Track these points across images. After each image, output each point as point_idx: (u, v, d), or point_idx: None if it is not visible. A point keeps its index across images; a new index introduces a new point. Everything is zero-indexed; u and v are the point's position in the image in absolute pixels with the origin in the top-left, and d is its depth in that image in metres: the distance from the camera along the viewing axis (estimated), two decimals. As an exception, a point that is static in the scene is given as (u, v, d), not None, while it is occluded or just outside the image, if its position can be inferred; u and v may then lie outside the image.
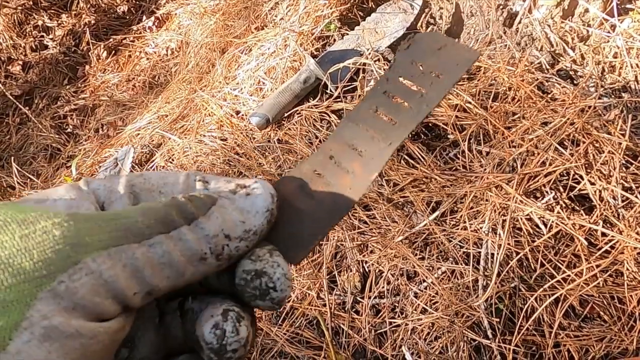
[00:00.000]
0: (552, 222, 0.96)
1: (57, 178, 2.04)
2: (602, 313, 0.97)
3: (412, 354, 0.99)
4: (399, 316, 1.04)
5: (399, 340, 1.02)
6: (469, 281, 0.99)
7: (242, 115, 1.52)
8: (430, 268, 1.03)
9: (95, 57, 2.74)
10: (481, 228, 0.99)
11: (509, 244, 0.96)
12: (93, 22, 2.83)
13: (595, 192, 0.95)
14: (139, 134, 1.85)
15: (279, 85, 1.47)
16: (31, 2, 2.87)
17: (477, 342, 0.97)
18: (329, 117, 1.34)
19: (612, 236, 0.94)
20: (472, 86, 1.15)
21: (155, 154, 1.68)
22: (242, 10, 1.98)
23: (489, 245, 0.98)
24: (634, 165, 0.98)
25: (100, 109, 2.45)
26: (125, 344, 0.24)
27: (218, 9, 2.16)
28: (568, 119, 0.99)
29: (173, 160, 1.59)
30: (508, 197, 0.97)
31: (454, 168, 1.09)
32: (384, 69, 1.25)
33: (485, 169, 1.04)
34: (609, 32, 1.24)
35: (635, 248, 0.94)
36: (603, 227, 0.95)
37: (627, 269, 0.95)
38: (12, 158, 2.20)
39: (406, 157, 1.12)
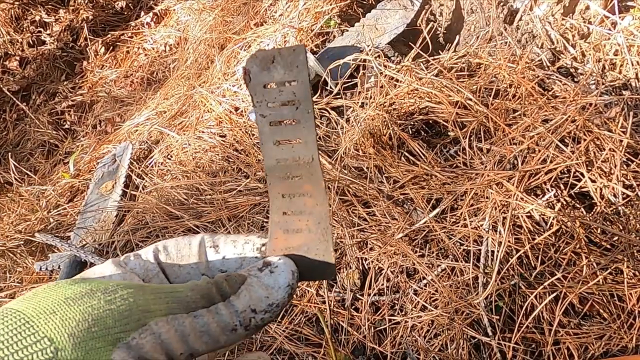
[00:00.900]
0: (553, 219, 0.96)
1: (55, 174, 2.03)
2: (601, 311, 0.97)
3: (411, 351, 0.99)
4: (398, 313, 1.04)
5: (398, 338, 1.02)
6: (469, 279, 0.99)
7: (241, 111, 1.51)
8: (430, 265, 1.03)
9: (93, 52, 2.72)
10: (481, 225, 0.99)
11: (509, 241, 0.96)
12: (91, 17, 2.81)
13: (596, 189, 0.95)
14: (137, 130, 1.84)
15: (278, 81, 1.46)
16: (28, -3, 2.85)
17: (476, 339, 0.97)
18: (329, 113, 1.34)
19: (613, 234, 0.94)
20: (472, 83, 1.15)
21: (153, 150, 1.67)
22: (241, 6, 1.97)
23: (489, 242, 0.98)
24: (634, 163, 0.98)
25: (98, 105, 2.44)
26: None
27: (217, 5, 2.15)
28: (569, 116, 0.99)
29: (171, 156, 1.59)
30: (509, 194, 0.96)
31: (454, 165, 1.09)
32: (384, 65, 1.25)
33: (485, 166, 1.03)
34: (609, 29, 1.24)
35: (635, 245, 0.94)
36: (603, 224, 0.95)
37: (627, 267, 0.95)
38: (10, 154, 2.19)
39: (406, 154, 1.12)
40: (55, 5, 2.89)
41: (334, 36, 1.54)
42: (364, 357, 1.02)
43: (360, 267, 1.10)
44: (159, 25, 2.67)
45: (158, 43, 2.54)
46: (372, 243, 1.09)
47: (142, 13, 2.78)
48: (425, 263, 1.02)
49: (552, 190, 0.97)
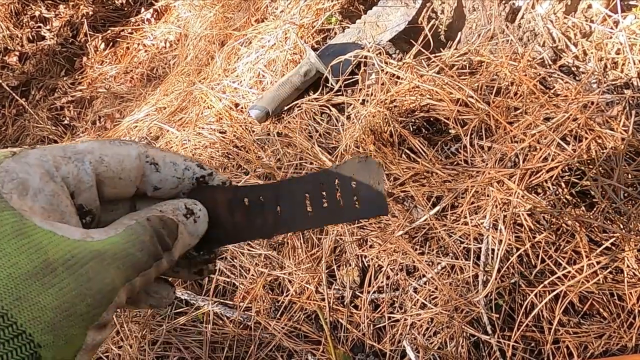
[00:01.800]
0: (553, 217, 0.96)
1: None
2: (601, 310, 0.97)
3: (411, 349, 0.98)
4: (398, 311, 1.04)
5: (397, 335, 1.01)
6: (468, 277, 0.98)
7: (242, 108, 1.51)
8: (430, 263, 1.03)
9: (93, 48, 2.71)
10: (482, 223, 0.98)
11: (509, 239, 0.95)
12: (91, 13, 2.80)
13: (597, 188, 0.95)
14: (136, 127, 1.84)
15: (279, 78, 1.46)
16: (28, -8, 2.84)
17: (476, 337, 0.97)
18: (330, 110, 1.33)
19: (614, 233, 0.94)
20: (474, 81, 1.14)
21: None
22: (241, 2, 1.96)
23: (489, 240, 0.98)
24: (636, 162, 0.97)
25: (97, 101, 2.43)
26: None
27: (217, 1, 2.14)
28: (571, 114, 0.98)
29: (171, 152, 1.58)
30: (510, 192, 0.96)
31: (455, 163, 1.08)
32: (386, 62, 1.24)
33: (487, 164, 1.03)
34: (611, 28, 1.24)
35: (636, 245, 0.94)
36: (604, 223, 0.95)
37: (628, 266, 0.95)
38: (8, 149, 2.18)
39: (407, 151, 1.11)
40: (55, 0, 2.88)
41: (335, 33, 1.54)
42: (363, 355, 1.02)
43: (360, 265, 1.10)
44: (159, 21, 2.66)
45: (158, 39, 2.53)
46: (372, 240, 1.09)
47: (142, 9, 2.78)
48: (425, 261, 1.02)
49: (553, 188, 0.97)
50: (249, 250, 1.18)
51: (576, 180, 0.98)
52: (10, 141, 2.42)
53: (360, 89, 1.30)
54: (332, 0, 1.56)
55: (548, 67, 1.19)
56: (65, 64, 2.73)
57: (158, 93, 2.02)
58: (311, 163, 1.24)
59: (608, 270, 0.95)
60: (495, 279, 0.95)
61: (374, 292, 1.06)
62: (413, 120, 1.16)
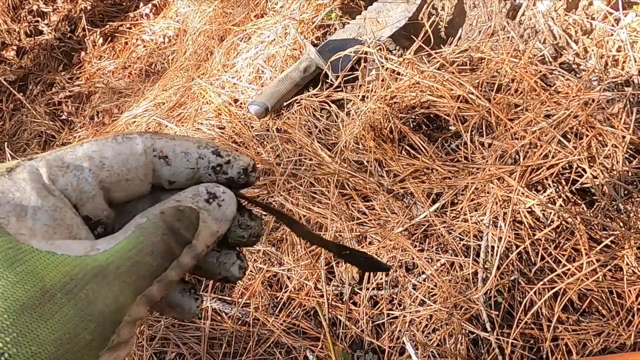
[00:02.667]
0: (554, 215, 0.95)
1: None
2: (600, 307, 0.97)
3: (411, 345, 0.98)
4: (397, 308, 1.04)
5: (396, 332, 1.01)
6: (468, 274, 0.98)
7: (241, 103, 1.50)
8: (430, 260, 1.02)
9: (91, 43, 2.70)
10: (482, 220, 0.98)
11: (509, 236, 0.95)
12: (89, 7, 2.79)
13: (597, 185, 0.95)
14: (135, 122, 1.83)
15: (278, 73, 1.45)
16: (26, -14, 2.82)
17: (475, 334, 0.96)
18: (329, 106, 1.33)
19: (614, 230, 0.94)
20: (474, 77, 1.14)
21: (151, 142, 1.66)
22: (241, -3, 1.95)
23: (489, 237, 0.98)
24: (637, 159, 0.97)
25: (95, 96, 2.42)
26: None
27: (217, -4, 2.13)
28: (571, 111, 0.98)
29: (170, 148, 1.57)
30: (510, 189, 0.96)
31: (455, 159, 1.08)
32: (386, 58, 1.24)
33: (487, 161, 1.03)
34: (612, 25, 1.23)
35: (635, 243, 0.94)
36: (604, 221, 0.95)
37: (627, 264, 0.95)
38: (6, 144, 2.17)
39: (407, 147, 1.11)
40: (53, -6, 2.86)
41: (335, 29, 1.53)
42: (362, 351, 1.02)
43: (359, 261, 1.10)
44: (157, 16, 2.65)
45: (157, 34, 2.52)
46: (372, 237, 1.09)
47: (141, 4, 2.76)
48: (425, 257, 1.02)
49: (553, 185, 0.97)
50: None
51: (577, 178, 0.98)
52: (7, 136, 2.41)
53: (360, 85, 1.30)
54: (332, -5, 1.55)
55: (549, 64, 1.19)
56: (63, 58, 2.72)
57: (157, 88, 2.01)
58: (310, 159, 1.23)
59: (607, 268, 0.95)
60: (495, 276, 0.94)
61: (373, 289, 1.06)
62: (413, 117, 1.16)
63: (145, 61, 2.42)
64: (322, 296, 1.07)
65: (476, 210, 1.00)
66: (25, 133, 2.38)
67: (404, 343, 0.99)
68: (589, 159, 0.95)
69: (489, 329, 0.95)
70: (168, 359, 1.09)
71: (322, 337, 1.03)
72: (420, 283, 1.02)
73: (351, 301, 1.07)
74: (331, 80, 1.36)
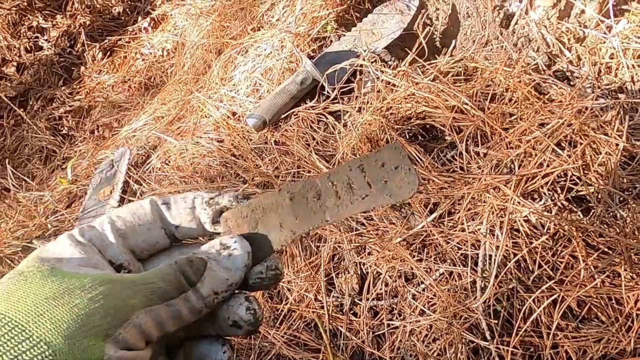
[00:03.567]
0: (550, 223, 0.96)
1: (53, 180, 2.03)
2: (599, 314, 0.97)
3: (410, 356, 0.99)
4: (397, 318, 1.04)
5: (397, 342, 1.02)
6: (467, 283, 0.99)
7: (239, 116, 1.51)
8: (428, 270, 1.03)
9: (91, 58, 2.72)
10: (479, 229, 0.99)
11: (506, 245, 0.96)
12: (88, 23, 2.81)
13: (592, 193, 0.96)
14: (134, 136, 1.84)
15: (275, 86, 1.47)
16: (25, 3, 2.85)
17: (475, 343, 0.97)
18: (326, 118, 1.34)
19: (610, 237, 0.94)
20: (469, 87, 1.15)
21: (151, 156, 1.67)
22: (238, 11, 1.97)
23: (486, 246, 0.98)
24: (631, 166, 0.98)
25: (95, 111, 2.44)
26: None
27: (214, 9, 2.15)
28: (565, 120, 0.99)
29: (169, 162, 1.59)
30: (506, 198, 0.97)
31: (451, 169, 1.09)
32: (381, 70, 1.25)
33: (482, 171, 1.04)
34: (605, 33, 1.25)
35: (632, 249, 0.94)
36: (600, 228, 0.95)
37: (625, 270, 0.95)
38: (7, 160, 2.18)
39: (404, 158, 1.12)
40: (52, 10, 2.89)
41: (331, 41, 1.55)
42: (362, 362, 1.02)
43: (359, 272, 1.10)
44: (156, 30, 2.67)
45: (155, 48, 2.54)
46: (370, 247, 1.10)
47: (140, 18, 2.79)
48: (423, 267, 1.03)
49: (549, 194, 0.97)
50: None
51: (572, 186, 0.98)
52: (8, 151, 2.42)
53: (357, 97, 1.31)
54: (328, 8, 1.57)
55: (542, 72, 1.20)
56: (63, 73, 2.74)
57: (156, 102, 2.03)
58: (309, 171, 1.24)
59: (605, 275, 0.95)
60: (494, 284, 0.95)
61: (373, 299, 1.07)
62: (409, 128, 1.17)
63: (145, 75, 2.44)
64: (322, 307, 1.08)
65: (473, 220, 1.01)
66: (26, 148, 2.39)
67: (404, 353, 0.99)
68: (584, 167, 0.96)
69: (488, 337, 0.96)
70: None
71: (323, 349, 1.04)
72: (420, 293, 1.03)
73: (351, 312, 1.08)
74: (328, 92, 1.37)
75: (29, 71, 2.75)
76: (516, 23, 1.37)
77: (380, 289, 1.07)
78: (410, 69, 1.21)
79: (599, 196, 0.96)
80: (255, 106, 1.45)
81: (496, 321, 0.96)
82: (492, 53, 1.30)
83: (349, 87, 1.35)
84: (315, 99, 1.39)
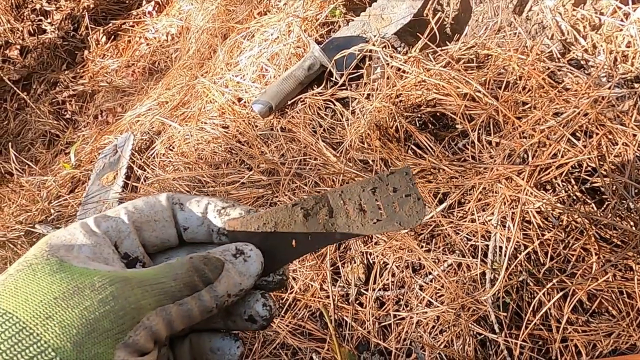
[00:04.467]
0: (563, 215, 0.94)
1: (56, 165, 2.02)
2: (610, 308, 0.95)
3: (417, 347, 0.97)
4: (403, 309, 1.03)
5: (403, 334, 1.00)
6: (476, 274, 0.97)
7: (245, 102, 1.49)
8: (437, 261, 1.01)
9: (94, 42, 2.69)
10: (490, 221, 0.97)
11: (518, 237, 0.94)
12: (92, 6, 2.78)
13: (607, 185, 0.93)
14: (138, 121, 1.82)
15: (282, 72, 1.44)
16: (29, -15, 2.81)
17: (483, 336, 0.95)
18: (334, 105, 1.31)
19: (624, 230, 0.92)
20: (481, 75, 1.12)
21: (155, 141, 1.65)
22: (244, -6, 1.94)
23: (497, 238, 0.96)
24: (648, 158, 0.95)
25: (99, 95, 2.41)
26: None
27: (219, -7, 2.11)
28: (581, 109, 0.96)
29: (173, 148, 1.57)
30: (518, 189, 0.94)
31: (462, 159, 1.06)
32: (391, 56, 1.22)
33: (495, 160, 1.01)
34: (622, 20, 1.21)
35: (646, 242, 0.92)
36: (614, 220, 0.93)
37: (638, 264, 0.93)
38: (10, 144, 2.17)
39: (413, 147, 1.09)
40: (55, -7, 2.85)
41: (339, 26, 1.51)
42: (368, 353, 1.01)
43: (365, 262, 1.09)
44: (160, 14, 2.64)
45: (160, 32, 2.51)
46: (377, 237, 1.08)
47: (144, 2, 2.75)
48: (432, 258, 1.01)
49: (563, 185, 0.95)
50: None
51: (587, 177, 0.96)
52: (12, 135, 2.41)
53: (365, 83, 1.28)
54: (336, -8, 1.54)
55: (557, 60, 1.17)
56: (66, 57, 2.72)
57: (160, 87, 2.01)
58: (315, 159, 1.22)
59: (617, 268, 0.93)
60: (504, 277, 0.93)
61: (379, 290, 1.05)
62: (419, 116, 1.14)
63: (149, 59, 2.41)
64: (327, 297, 1.06)
65: (484, 211, 0.99)
66: (29, 132, 2.38)
67: (410, 344, 0.98)
68: (599, 157, 0.93)
69: (497, 330, 0.94)
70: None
71: (328, 339, 1.02)
72: (427, 284, 1.01)
73: (357, 302, 1.06)
74: (336, 78, 1.35)
75: (32, 54, 2.73)
76: (530, 10, 1.33)
77: (387, 279, 1.05)
78: (421, 55, 1.18)
79: (614, 188, 0.94)
80: (261, 92, 1.42)
81: (505, 314, 0.94)
82: (505, 40, 1.27)
83: (357, 74, 1.32)
84: (323, 85, 1.37)
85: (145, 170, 1.55)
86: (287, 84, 1.36)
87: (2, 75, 2.57)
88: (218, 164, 1.39)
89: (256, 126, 1.41)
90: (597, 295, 0.95)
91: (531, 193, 0.94)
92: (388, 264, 1.06)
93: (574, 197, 0.96)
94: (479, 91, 1.06)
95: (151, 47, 2.48)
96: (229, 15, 1.94)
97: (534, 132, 0.99)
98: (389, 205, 0.37)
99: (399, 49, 1.37)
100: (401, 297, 1.04)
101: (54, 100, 2.50)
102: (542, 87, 1.06)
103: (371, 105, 1.16)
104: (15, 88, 2.48)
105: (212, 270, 0.33)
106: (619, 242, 0.93)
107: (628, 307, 0.95)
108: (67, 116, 2.43)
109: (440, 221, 1.01)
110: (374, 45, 1.28)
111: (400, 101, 1.15)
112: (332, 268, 1.09)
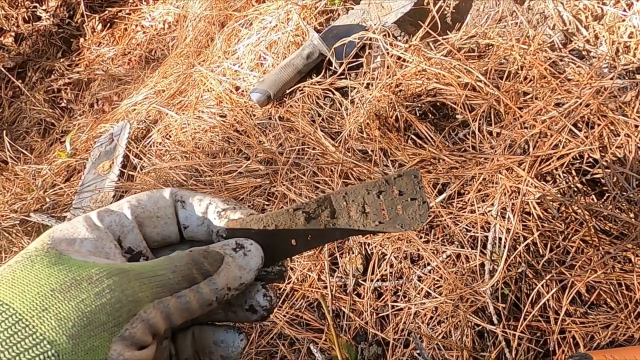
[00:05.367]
0: (563, 206, 0.93)
1: (51, 153, 2.00)
2: (609, 300, 0.95)
3: (415, 337, 0.97)
4: (401, 300, 1.02)
5: (401, 324, 1.00)
6: (475, 266, 0.97)
7: (242, 91, 1.47)
8: (435, 251, 1.00)
9: (90, 29, 2.66)
10: (490, 211, 0.96)
11: (517, 228, 0.93)
12: (87, -7, 2.74)
13: (608, 176, 0.92)
14: (135, 109, 1.80)
15: (280, 60, 1.42)
16: (23, -29, 2.77)
17: (481, 327, 0.95)
18: (333, 94, 1.30)
19: (624, 222, 0.92)
20: (482, 64, 1.11)
21: (151, 130, 1.63)
22: (242, -18, 1.91)
23: (496, 229, 0.96)
24: (650, 149, 0.95)
25: (95, 84, 2.39)
26: None
27: (217, -20, 2.08)
28: (583, 100, 0.95)
29: (170, 136, 1.55)
30: (519, 180, 0.94)
31: (463, 149, 1.05)
32: (391, 45, 1.20)
33: (495, 151, 1.00)
34: (624, 10, 1.20)
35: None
36: (614, 212, 0.92)
37: (637, 256, 0.93)
38: (5, 132, 2.14)
39: (413, 136, 1.08)
40: (50, -21, 2.81)
41: (339, 14, 1.49)
42: (366, 343, 1.01)
43: (363, 252, 1.08)
44: (157, 1, 2.60)
45: (156, 20, 2.48)
46: (376, 228, 1.07)
47: (140, -11, 2.71)
48: (430, 249, 1.00)
49: (563, 176, 0.94)
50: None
51: (588, 169, 0.95)
52: (6, 124, 2.38)
53: (365, 73, 1.27)
54: (336, -20, 1.51)
55: (559, 50, 1.16)
56: (61, 45, 2.68)
57: (157, 75, 1.98)
58: (314, 148, 1.21)
59: (617, 260, 0.93)
60: (503, 268, 0.93)
61: (378, 281, 1.04)
62: (419, 105, 1.13)
63: (145, 48, 2.38)
64: (325, 287, 1.06)
65: (484, 201, 0.98)
66: (24, 121, 2.35)
67: (408, 335, 0.98)
68: (601, 149, 0.93)
69: (495, 321, 0.94)
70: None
71: (326, 329, 1.02)
72: (426, 275, 1.01)
73: (355, 293, 1.06)
74: (335, 67, 1.33)
75: (27, 42, 2.69)
76: (532, -1, 1.31)
77: (385, 270, 1.05)
78: (422, 43, 1.16)
79: (615, 179, 0.93)
80: (259, 80, 1.41)
81: (503, 305, 0.94)
82: (507, 30, 1.25)
83: (357, 62, 1.31)
84: (322, 73, 1.35)
85: (141, 159, 1.54)
86: (285, 73, 1.34)
87: (-4, 62, 2.54)
88: (215, 153, 1.38)
89: (254, 115, 1.39)
90: (596, 287, 0.95)
91: (532, 184, 0.93)
92: (386, 254, 1.05)
93: (575, 189, 0.96)
94: (480, 81, 1.05)
95: (148, 35, 2.45)
96: (227, 3, 1.91)
97: (535, 123, 0.98)
98: (393, 207, 0.37)
99: (399, 37, 1.35)
100: (399, 288, 1.03)
101: (49, 89, 2.47)
102: (543, 77, 1.05)
103: (371, 94, 1.15)
104: (10, 76, 2.45)
105: (211, 263, 0.33)
106: (618, 234, 0.93)
107: (626, 299, 0.94)
108: (63, 104, 2.41)
109: (439, 212, 1.01)
110: (374, 33, 1.26)
111: (400, 90, 1.14)
112: (330, 258, 1.08)
